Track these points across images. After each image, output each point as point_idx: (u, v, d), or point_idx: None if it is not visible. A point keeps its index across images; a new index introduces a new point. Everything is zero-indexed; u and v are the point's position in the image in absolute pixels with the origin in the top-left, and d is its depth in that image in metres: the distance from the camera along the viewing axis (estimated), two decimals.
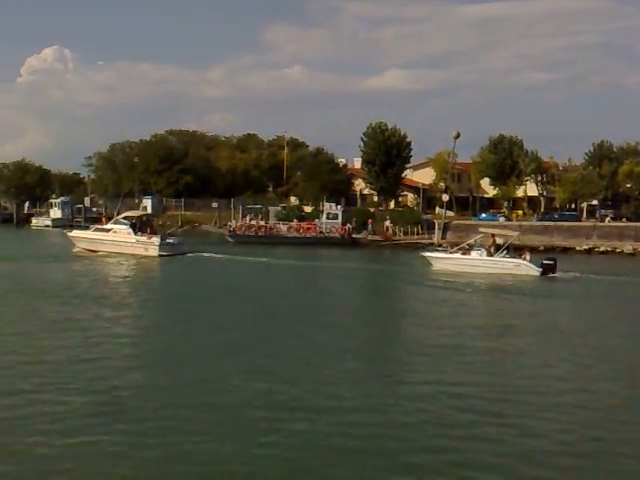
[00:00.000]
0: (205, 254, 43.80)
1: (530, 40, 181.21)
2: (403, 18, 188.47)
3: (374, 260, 46.31)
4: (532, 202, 75.16)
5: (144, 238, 43.40)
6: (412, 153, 73.69)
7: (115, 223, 45.54)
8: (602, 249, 53.13)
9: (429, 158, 77.83)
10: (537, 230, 56.85)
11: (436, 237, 57.06)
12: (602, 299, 29.04)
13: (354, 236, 57.79)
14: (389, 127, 71.91)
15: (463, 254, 37.18)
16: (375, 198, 75.09)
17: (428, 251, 39.83)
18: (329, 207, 60.34)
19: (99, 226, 47.07)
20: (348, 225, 58.36)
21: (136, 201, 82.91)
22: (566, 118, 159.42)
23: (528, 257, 35.80)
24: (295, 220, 61.77)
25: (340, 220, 58.65)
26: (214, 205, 71.96)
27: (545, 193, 75.18)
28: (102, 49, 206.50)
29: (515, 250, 37.58)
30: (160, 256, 41.96)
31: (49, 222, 77.26)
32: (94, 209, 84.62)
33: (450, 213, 66.62)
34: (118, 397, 12.97)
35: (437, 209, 70.00)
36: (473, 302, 28.08)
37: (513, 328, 21.92)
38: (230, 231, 59.02)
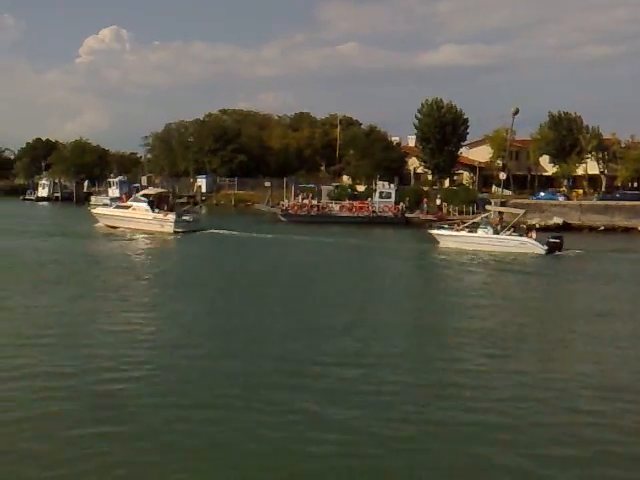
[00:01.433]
0: (221, 231, 44.58)
1: (590, 13, 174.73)
2: None
3: (424, 239, 45.65)
4: (593, 180, 72.64)
5: (160, 215, 44.49)
6: (468, 130, 72.34)
7: (134, 201, 46.73)
8: None
9: (486, 135, 75.96)
10: (598, 209, 54.84)
11: (492, 217, 55.64)
12: (603, 275, 28.74)
13: (407, 215, 56.96)
14: (445, 103, 70.53)
15: (470, 232, 37.24)
16: (429, 177, 73.85)
17: (435, 228, 39.84)
18: (382, 186, 59.47)
19: (120, 203, 48.43)
20: (401, 204, 57.55)
21: (191, 180, 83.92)
22: (629, 93, 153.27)
23: (534, 235, 36.14)
24: (347, 199, 61.28)
25: (393, 199, 57.87)
26: (267, 184, 71.90)
27: (606, 171, 72.47)
28: (158, 29, 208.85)
29: (522, 228, 38.14)
30: (175, 232, 43.06)
31: (107, 201, 78.55)
32: (151, 188, 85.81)
33: (507, 192, 64.96)
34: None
35: (494, 188, 68.38)
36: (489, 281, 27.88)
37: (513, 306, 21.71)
38: (282, 210, 58.96)
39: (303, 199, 61.01)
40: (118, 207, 47.59)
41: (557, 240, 35.47)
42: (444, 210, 58.63)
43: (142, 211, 45.14)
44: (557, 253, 34.71)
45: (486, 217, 38.44)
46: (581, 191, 69.04)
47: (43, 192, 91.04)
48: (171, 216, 44.25)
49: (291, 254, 35.64)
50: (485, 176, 74.00)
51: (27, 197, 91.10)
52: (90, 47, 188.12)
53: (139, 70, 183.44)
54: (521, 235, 36.31)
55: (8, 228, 43.97)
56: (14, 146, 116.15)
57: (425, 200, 59.91)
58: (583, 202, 58.10)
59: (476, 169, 73.49)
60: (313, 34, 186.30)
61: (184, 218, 45.35)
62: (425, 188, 65.94)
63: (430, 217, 57.13)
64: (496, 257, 33.28)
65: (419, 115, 71.05)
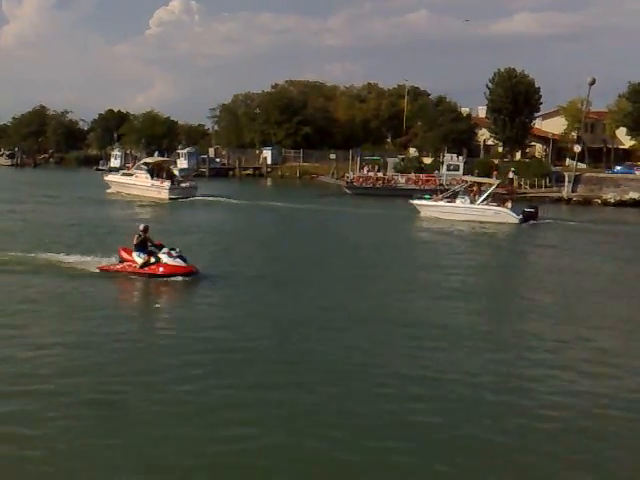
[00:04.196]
0: (212, 198, 46.99)
1: None
2: None
3: None
4: None
5: (157, 182, 47.48)
6: (542, 101, 69.83)
7: (137, 168, 50.55)
8: None
9: (560, 106, 73.06)
10: None
11: (565, 190, 53.71)
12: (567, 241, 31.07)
13: None
14: (517, 73, 68.16)
15: (448, 202, 38.40)
16: (500, 149, 71.72)
17: (415, 198, 40.71)
18: (450, 158, 58.03)
19: (126, 171, 52.87)
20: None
21: (256, 152, 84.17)
22: None
23: (510, 205, 37.39)
24: (413, 172, 60.18)
25: (461, 172, 56.35)
26: (332, 156, 71.53)
27: None
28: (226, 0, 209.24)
29: (499, 198, 39.38)
30: (170, 199, 45.77)
31: (176, 172, 79.78)
32: (217, 160, 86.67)
33: (582, 165, 62.41)
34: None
35: (567, 161, 65.82)
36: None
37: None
38: (347, 182, 58.43)
39: (368, 171, 60.31)
40: (124, 174, 51.85)
41: (532, 210, 37.10)
42: (515, 183, 56.85)
43: (142, 178, 48.58)
44: (532, 222, 36.15)
45: (465, 187, 39.42)
46: None
47: (115, 163, 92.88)
48: (166, 183, 47.20)
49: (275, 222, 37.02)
50: (559, 148, 71.34)
51: (100, 167, 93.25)
52: (160, 19, 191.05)
53: (208, 41, 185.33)
54: (498, 205, 37.40)
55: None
56: (87, 117, 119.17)
57: (495, 173, 58.13)
58: None
59: (549, 141, 70.90)
60: (382, 2, 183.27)
61: (181, 185, 48.51)
62: (495, 161, 64.07)
63: (500, 190, 55.46)
64: (470, 226, 34.81)
65: (490, 85, 68.89)
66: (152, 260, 18.32)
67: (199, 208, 42.92)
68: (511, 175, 57.42)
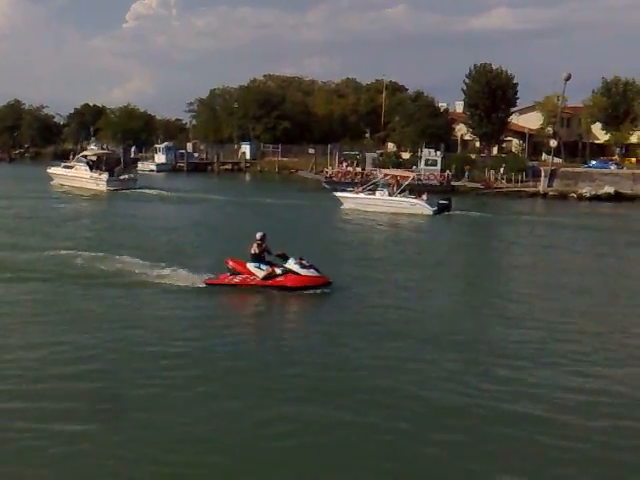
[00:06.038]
0: (147, 190, 48.22)
1: None
2: None
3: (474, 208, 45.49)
4: None
5: (96, 174, 49.06)
6: (518, 96, 70.44)
7: (77, 161, 51.86)
8: None
9: (536, 102, 73.79)
10: None
11: (542, 185, 54.38)
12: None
13: (453, 183, 55.85)
14: (494, 68, 68.63)
15: (369, 194, 40.33)
16: (477, 144, 72.25)
17: (338, 191, 42.79)
18: (428, 153, 58.36)
19: (66, 163, 53.70)
20: (447, 172, 56.45)
21: (235, 147, 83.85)
22: None
23: (425, 197, 39.24)
24: (392, 167, 60.41)
25: (439, 167, 56.75)
26: (311, 151, 71.58)
27: None
28: None
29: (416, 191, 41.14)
30: (108, 190, 47.74)
31: (154, 167, 79.32)
32: (196, 154, 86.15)
33: (558, 160, 63.17)
34: None
35: (544, 155, 66.57)
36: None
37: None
38: (326, 177, 58.57)
39: (347, 166, 60.48)
40: (65, 167, 52.82)
41: (446, 202, 38.91)
42: (491, 178, 57.41)
43: (82, 171, 50.20)
44: (446, 213, 38.09)
45: (384, 180, 41.10)
46: (634, 159, 66.71)
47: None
48: (104, 175, 48.75)
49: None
50: (535, 143, 72.07)
51: None
52: (137, 12, 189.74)
53: (185, 35, 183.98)
54: (414, 197, 39.20)
55: None
56: (63, 111, 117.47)
57: (467, 167, 58.67)
58: (636, 171, 56.18)
59: (525, 136, 71.64)
60: None
61: (120, 177, 50.22)
62: (472, 156, 64.57)
63: (477, 185, 56.06)
64: (387, 217, 36.65)
65: (467, 81, 69.34)
66: (278, 271, 16.59)
67: (136, 200, 43.40)
68: (501, 171, 57.78)
